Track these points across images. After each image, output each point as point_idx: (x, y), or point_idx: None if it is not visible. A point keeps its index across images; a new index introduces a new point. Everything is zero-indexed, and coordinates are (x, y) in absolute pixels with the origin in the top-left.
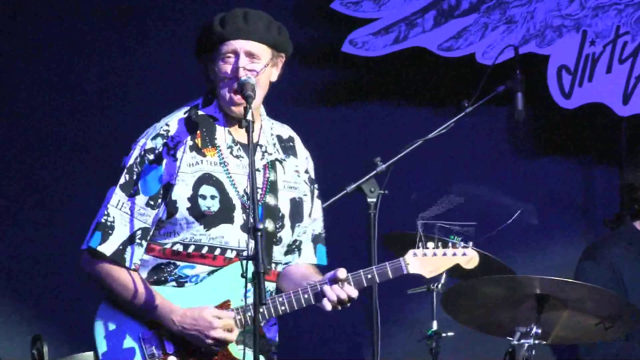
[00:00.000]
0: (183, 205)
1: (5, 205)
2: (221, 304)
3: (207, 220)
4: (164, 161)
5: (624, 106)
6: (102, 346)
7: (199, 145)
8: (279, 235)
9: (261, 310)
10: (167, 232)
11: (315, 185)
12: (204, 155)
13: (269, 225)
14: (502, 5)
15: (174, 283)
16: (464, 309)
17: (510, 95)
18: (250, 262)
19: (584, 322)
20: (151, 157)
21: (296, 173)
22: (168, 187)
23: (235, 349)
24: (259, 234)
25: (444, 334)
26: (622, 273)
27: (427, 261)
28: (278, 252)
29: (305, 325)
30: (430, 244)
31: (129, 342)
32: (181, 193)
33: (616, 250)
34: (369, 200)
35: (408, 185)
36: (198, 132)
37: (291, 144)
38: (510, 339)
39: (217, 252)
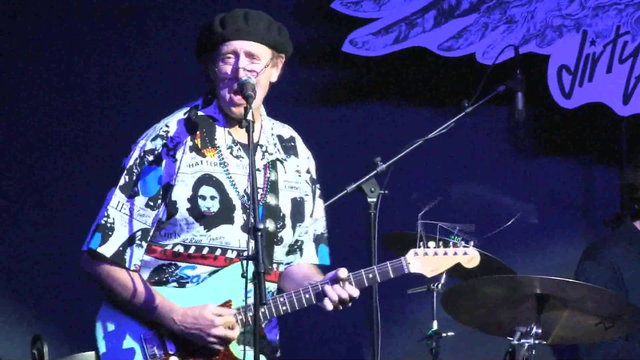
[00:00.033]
0: (183, 206)
1: (5, 205)
2: (222, 304)
3: (207, 220)
4: (164, 162)
5: (624, 106)
6: (102, 346)
7: (199, 145)
8: (280, 235)
9: (262, 310)
10: (168, 233)
11: (317, 185)
12: (204, 156)
13: (270, 225)
14: (502, 5)
15: (175, 284)
16: (464, 309)
17: (510, 95)
18: (250, 262)
19: (584, 322)
20: (150, 158)
21: (297, 173)
22: (167, 188)
23: (236, 349)
24: (259, 233)
25: (444, 334)
26: (622, 273)
27: (428, 260)
28: (279, 252)
29: (305, 325)
30: (431, 244)
31: (129, 343)
32: (181, 194)
33: (616, 250)
34: (369, 200)
35: (408, 185)
36: (198, 132)
37: (292, 143)
38: (511, 339)
39: (218, 252)
